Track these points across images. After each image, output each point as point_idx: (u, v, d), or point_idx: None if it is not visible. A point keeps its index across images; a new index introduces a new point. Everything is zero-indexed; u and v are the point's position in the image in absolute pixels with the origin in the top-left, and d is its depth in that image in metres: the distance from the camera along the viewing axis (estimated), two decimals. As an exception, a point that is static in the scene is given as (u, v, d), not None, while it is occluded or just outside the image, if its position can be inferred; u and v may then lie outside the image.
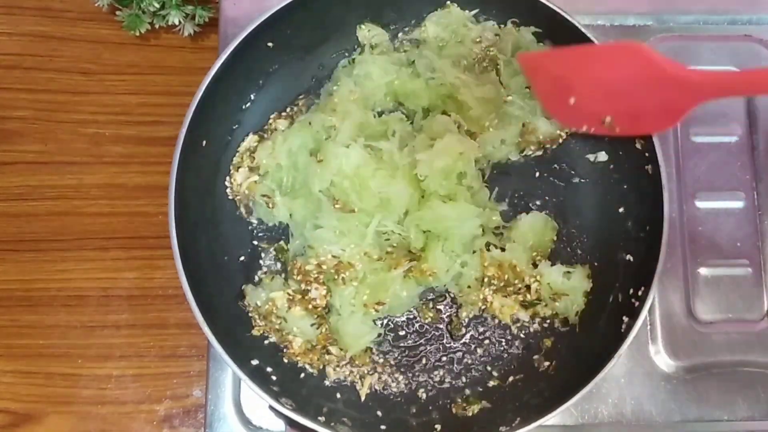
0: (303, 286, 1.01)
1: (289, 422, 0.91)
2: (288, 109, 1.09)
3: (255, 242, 1.06)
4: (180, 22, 1.14)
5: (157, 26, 1.16)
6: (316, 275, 1.00)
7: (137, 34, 1.16)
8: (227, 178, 1.06)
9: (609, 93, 0.95)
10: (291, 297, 1.00)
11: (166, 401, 1.08)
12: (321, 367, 1.01)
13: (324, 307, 1.01)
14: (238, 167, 1.06)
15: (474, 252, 1.02)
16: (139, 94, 1.17)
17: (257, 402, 1.02)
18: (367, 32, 1.10)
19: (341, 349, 1.01)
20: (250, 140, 1.07)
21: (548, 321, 1.03)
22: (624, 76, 0.92)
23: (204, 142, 1.01)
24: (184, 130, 0.96)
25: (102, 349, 1.09)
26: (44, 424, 1.06)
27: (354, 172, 0.99)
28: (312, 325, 1.00)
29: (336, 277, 0.99)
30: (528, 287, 1.02)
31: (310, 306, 1.00)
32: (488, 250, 1.03)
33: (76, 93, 1.17)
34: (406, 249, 1.02)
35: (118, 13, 1.16)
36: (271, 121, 1.08)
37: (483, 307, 1.03)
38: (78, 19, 1.20)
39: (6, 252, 1.12)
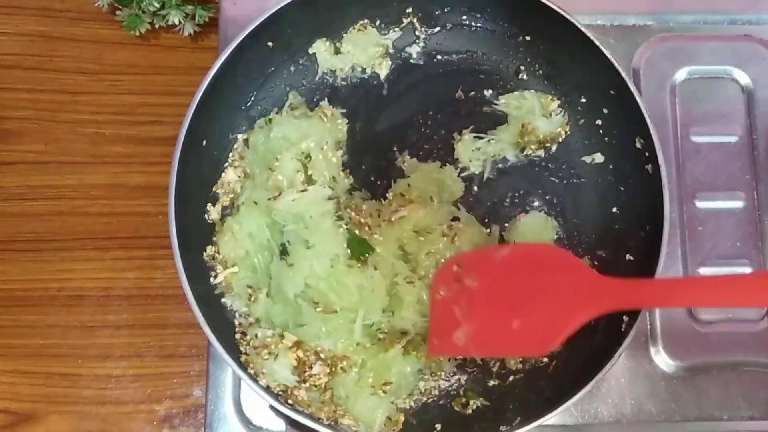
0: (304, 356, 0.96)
1: (290, 422, 0.91)
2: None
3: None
4: (180, 22, 1.14)
5: (157, 26, 1.16)
6: (314, 359, 0.96)
7: (137, 34, 1.16)
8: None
9: (516, 299, 0.89)
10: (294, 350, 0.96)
11: (166, 401, 1.08)
12: (335, 421, 0.95)
13: (324, 387, 0.96)
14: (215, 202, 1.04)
15: None
16: (139, 94, 1.17)
17: (257, 402, 1.02)
18: (324, 50, 1.09)
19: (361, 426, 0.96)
20: (228, 174, 1.05)
21: None
22: (534, 280, 0.88)
23: (204, 142, 1.01)
24: (184, 130, 0.96)
25: (102, 349, 1.09)
26: (44, 424, 1.06)
27: (328, 273, 0.96)
28: (297, 379, 0.95)
29: (334, 368, 0.96)
30: None
31: (308, 383, 0.95)
32: None
33: (76, 93, 1.17)
34: (398, 332, 0.98)
35: (118, 13, 1.16)
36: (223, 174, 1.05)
37: None
38: (78, 19, 1.20)
39: (6, 252, 1.12)
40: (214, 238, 1.01)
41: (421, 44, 1.12)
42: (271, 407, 0.91)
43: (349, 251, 0.98)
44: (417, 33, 1.12)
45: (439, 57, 1.12)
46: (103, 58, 1.19)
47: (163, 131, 1.15)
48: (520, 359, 1.00)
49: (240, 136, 1.06)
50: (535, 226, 1.05)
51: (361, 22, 1.10)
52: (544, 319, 0.85)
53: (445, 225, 1.01)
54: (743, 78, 1.16)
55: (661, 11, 1.20)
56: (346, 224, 0.99)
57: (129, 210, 1.13)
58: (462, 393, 1.00)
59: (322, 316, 0.96)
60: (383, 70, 1.11)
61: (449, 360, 1.00)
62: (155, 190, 1.13)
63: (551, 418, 0.90)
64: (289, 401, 0.94)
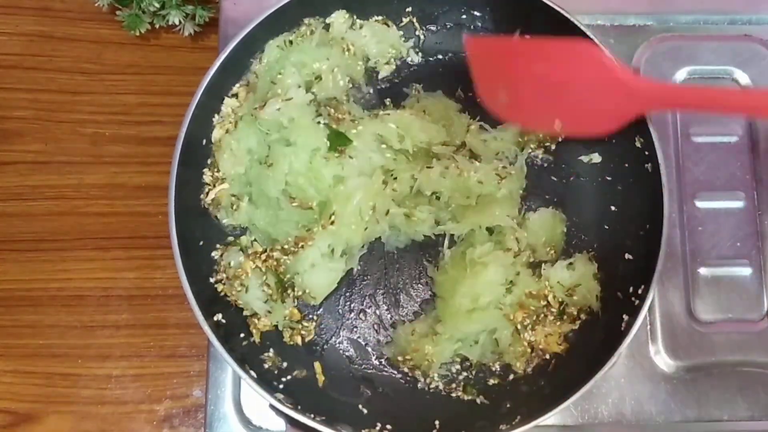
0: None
1: (290, 421, 0.91)
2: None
3: (254, 241, 1.06)
4: (180, 22, 1.15)
5: (157, 26, 1.17)
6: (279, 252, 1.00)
7: (137, 34, 1.16)
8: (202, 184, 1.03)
9: (553, 91, 0.94)
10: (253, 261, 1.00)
11: (166, 401, 1.08)
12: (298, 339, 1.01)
13: (283, 274, 1.00)
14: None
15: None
16: (139, 94, 1.18)
17: (257, 402, 1.02)
18: (342, 21, 1.09)
19: (312, 297, 1.00)
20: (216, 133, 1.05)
21: (578, 317, 1.01)
22: (570, 76, 0.92)
23: (204, 141, 1.01)
24: (183, 130, 0.96)
25: (102, 349, 1.09)
26: (44, 424, 1.06)
27: (307, 168, 0.98)
28: (265, 301, 0.99)
29: (295, 249, 0.99)
30: (549, 303, 1.01)
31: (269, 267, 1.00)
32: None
33: (76, 93, 1.18)
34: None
35: (118, 13, 1.16)
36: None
37: (530, 350, 1.00)
38: (78, 19, 1.20)
39: (6, 252, 1.12)
40: (209, 160, 1.02)
41: (421, 44, 1.12)
42: (271, 407, 0.91)
43: (327, 143, 0.99)
44: (417, 33, 1.12)
45: (438, 56, 1.12)
46: (103, 58, 1.19)
47: (163, 131, 1.15)
48: (525, 360, 1.00)
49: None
50: (545, 223, 1.05)
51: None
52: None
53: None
54: (743, 78, 1.16)
55: (661, 11, 1.20)
56: (324, 120, 1.00)
57: (129, 210, 1.14)
58: (462, 389, 1.00)
59: (298, 210, 0.98)
60: (384, 70, 1.11)
61: (440, 366, 1.01)
62: (155, 189, 1.14)
63: (551, 417, 0.90)
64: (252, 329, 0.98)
